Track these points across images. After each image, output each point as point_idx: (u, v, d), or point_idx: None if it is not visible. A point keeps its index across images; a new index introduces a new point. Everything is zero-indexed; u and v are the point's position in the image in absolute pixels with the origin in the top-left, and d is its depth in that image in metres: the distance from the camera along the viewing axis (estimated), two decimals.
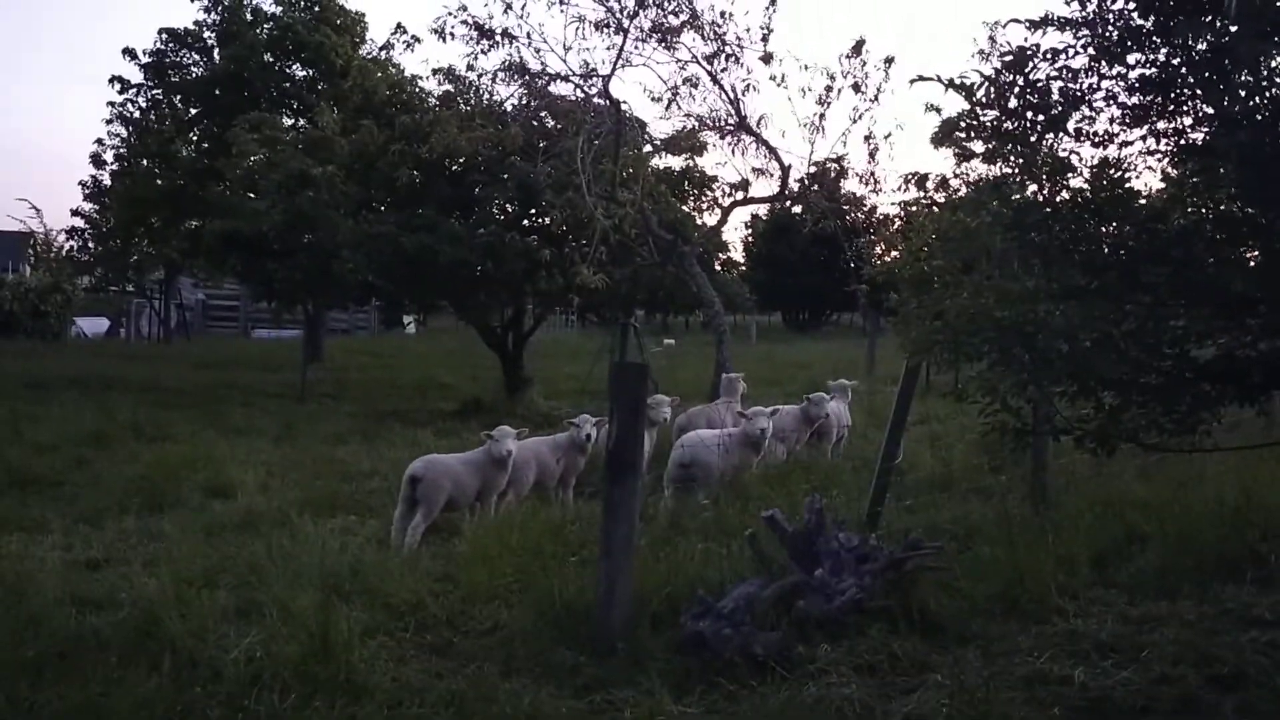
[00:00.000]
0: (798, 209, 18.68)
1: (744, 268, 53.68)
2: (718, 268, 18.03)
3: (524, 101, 13.43)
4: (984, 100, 4.42)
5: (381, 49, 23.94)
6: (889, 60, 13.18)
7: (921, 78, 4.51)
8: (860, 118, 12.88)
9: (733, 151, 13.35)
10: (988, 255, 4.61)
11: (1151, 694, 4.59)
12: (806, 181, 14.47)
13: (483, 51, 12.41)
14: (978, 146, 4.42)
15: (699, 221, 15.03)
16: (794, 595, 5.53)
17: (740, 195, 14.20)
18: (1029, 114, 4.41)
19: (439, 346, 28.13)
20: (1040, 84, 4.46)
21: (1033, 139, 4.52)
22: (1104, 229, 4.59)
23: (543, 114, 13.63)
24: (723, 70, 12.76)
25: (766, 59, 12.68)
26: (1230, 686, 4.66)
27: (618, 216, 11.59)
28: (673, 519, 7.39)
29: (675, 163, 15.77)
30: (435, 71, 15.84)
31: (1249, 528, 6.97)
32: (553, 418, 13.22)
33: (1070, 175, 4.59)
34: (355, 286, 13.97)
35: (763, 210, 42.89)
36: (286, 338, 29.38)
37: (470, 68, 12.99)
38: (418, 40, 23.72)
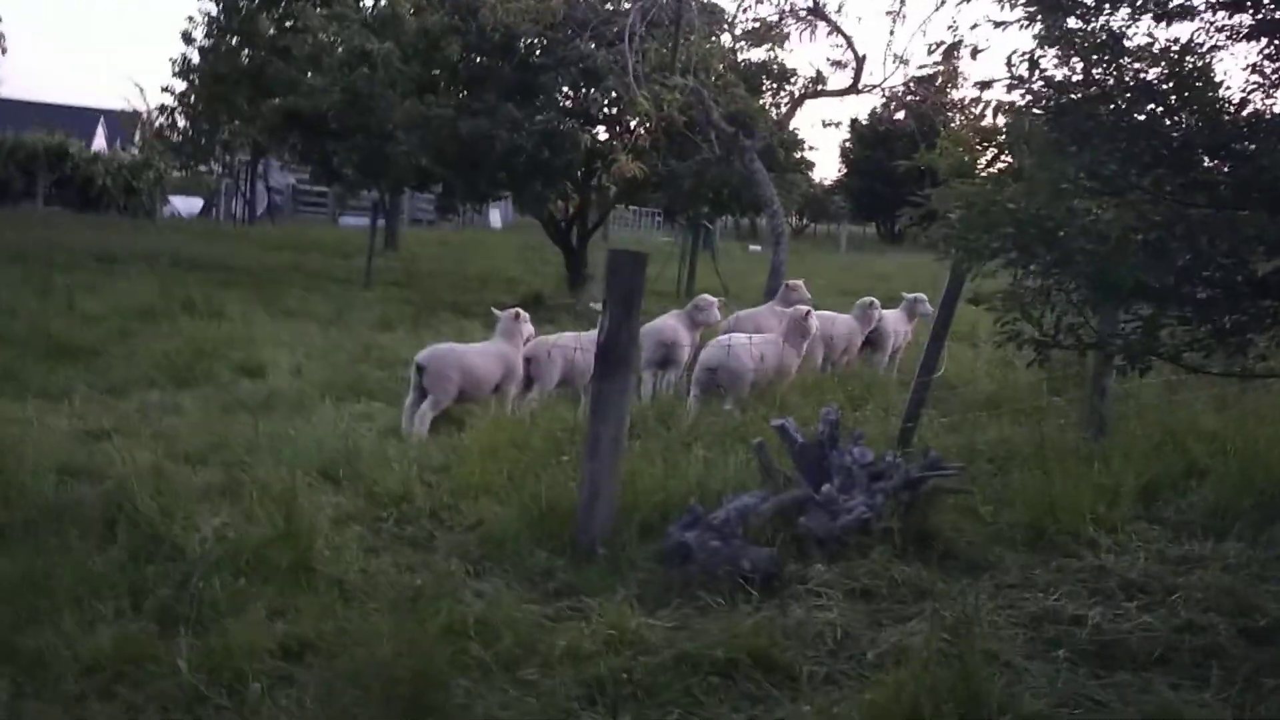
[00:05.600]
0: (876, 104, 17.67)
1: (841, 174, 52.31)
2: (798, 165, 17.16)
3: None
4: None
5: None
6: None
7: None
8: (944, 3, 11.75)
9: (802, 38, 12.47)
10: (1021, 141, 4.05)
11: (1172, 642, 4.13)
12: (913, 85, 13.56)
13: None
14: (1015, 14, 3.82)
15: (771, 116, 14.28)
16: (797, 511, 5.15)
17: (813, 87, 13.40)
18: None
19: (517, 240, 27.93)
20: None
21: (1083, 9, 3.91)
22: (1164, 119, 3.99)
23: None
24: None
25: None
26: (1262, 640, 4.18)
27: (666, 101, 10.98)
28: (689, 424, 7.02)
29: (756, 55, 15.03)
30: None
31: None
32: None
33: (1126, 55, 3.98)
34: (409, 171, 13.64)
35: (863, 116, 41.49)
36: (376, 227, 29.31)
37: None
38: None
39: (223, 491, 5.47)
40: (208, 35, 25.83)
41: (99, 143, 42.20)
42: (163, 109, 28.46)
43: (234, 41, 24.60)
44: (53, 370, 8.45)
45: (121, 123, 38.44)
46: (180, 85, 27.37)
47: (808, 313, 8.63)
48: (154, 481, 5.20)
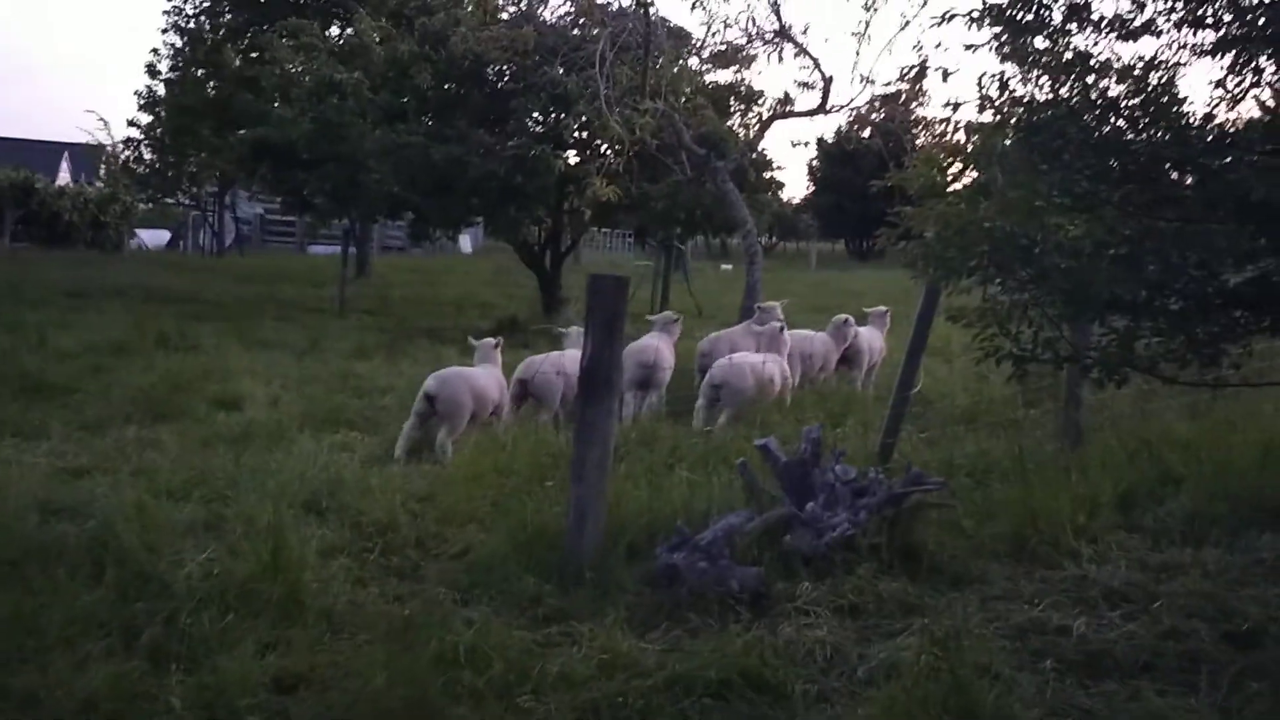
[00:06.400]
0: (841, 123, 17.88)
1: (809, 192, 52.73)
2: (768, 185, 17.34)
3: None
4: None
5: None
6: None
7: None
8: (908, 24, 12.04)
9: (769, 59, 12.67)
10: (994, 160, 4.13)
11: (1156, 649, 4.19)
12: (876, 104, 13.73)
13: None
14: (984, 36, 3.91)
15: (742, 138, 14.43)
16: (782, 529, 5.19)
17: (782, 108, 13.57)
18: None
19: (488, 265, 27.94)
20: None
21: (1049, 30, 4.00)
22: (1130, 135, 4.08)
23: (568, 16, 13.10)
24: None
25: None
26: (1246, 644, 4.24)
27: (638, 125, 11.07)
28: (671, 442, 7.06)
29: (723, 76, 15.19)
30: None
31: None
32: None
33: (1094, 73, 4.08)
34: (382, 198, 13.69)
35: (829, 134, 41.88)
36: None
37: None
38: None
39: (207, 526, 5.45)
40: (173, 68, 25.86)
41: (63, 177, 41.89)
42: (128, 142, 28.39)
43: (200, 74, 24.63)
44: (27, 408, 8.39)
45: (86, 156, 38.23)
46: (146, 118, 27.37)
47: (781, 327, 9.15)
48: (138, 518, 5.17)
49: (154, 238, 36.19)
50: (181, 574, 4.67)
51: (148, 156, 28.21)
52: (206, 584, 4.58)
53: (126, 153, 28.74)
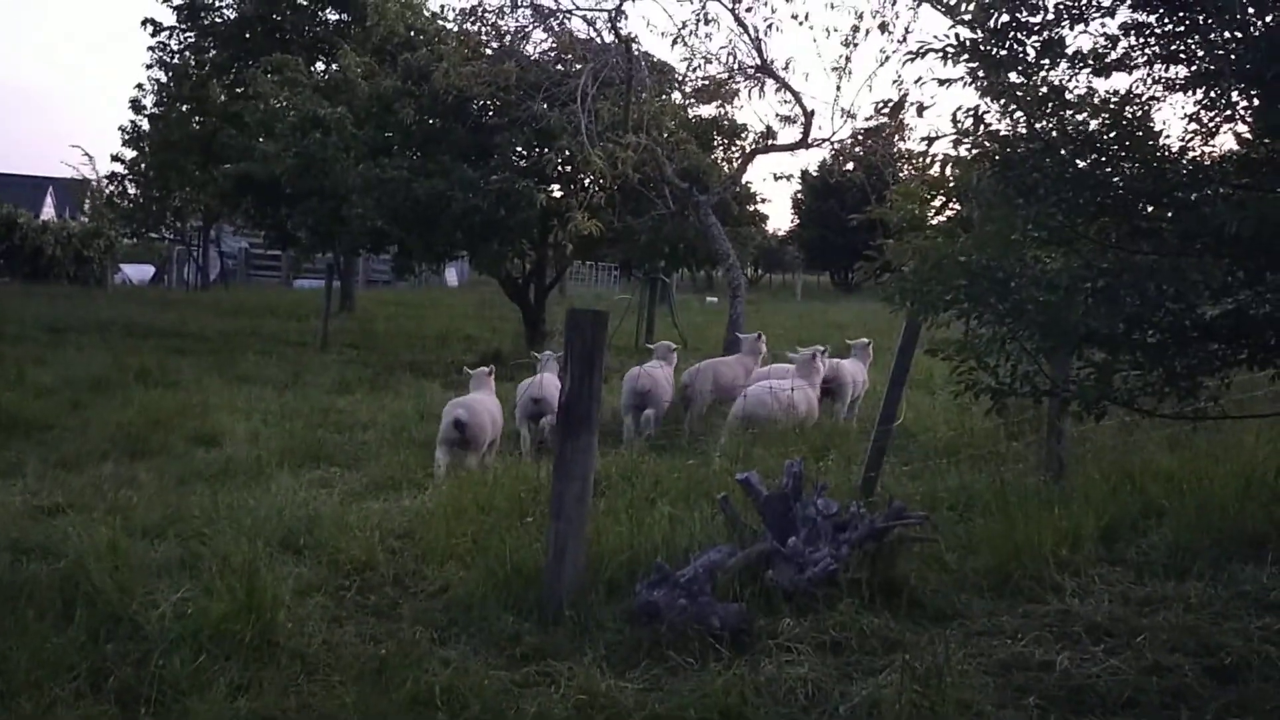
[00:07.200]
0: (825, 156, 17.98)
1: (794, 224, 52.98)
2: (752, 218, 17.43)
3: (525, 34, 13.03)
4: (967, 18, 3.93)
5: None
6: None
7: None
8: (888, 60, 12.22)
9: (750, 95, 12.79)
10: (969, 194, 4.13)
11: (1139, 685, 4.15)
12: (861, 137, 13.82)
13: None
14: (958, 71, 3.92)
15: (725, 171, 14.52)
16: (763, 565, 5.14)
17: (764, 142, 13.66)
18: (1018, 34, 3.90)
19: (473, 299, 27.95)
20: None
21: (1023, 65, 4.02)
22: (1107, 169, 4.09)
23: (551, 52, 13.20)
24: (747, 9, 12.16)
25: None
26: (1228, 679, 4.21)
27: (620, 159, 11.12)
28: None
29: (705, 111, 15.29)
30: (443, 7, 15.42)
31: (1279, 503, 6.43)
32: None
33: (1068, 108, 4.09)
34: (366, 233, 13.71)
35: (813, 167, 42.21)
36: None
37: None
38: None
39: (182, 565, 5.38)
40: (158, 103, 25.91)
41: (48, 212, 41.81)
42: (113, 177, 28.36)
43: (184, 109, 24.68)
44: (3, 445, 8.30)
45: (70, 191, 38.19)
46: (130, 153, 27.37)
47: (815, 355, 9.46)
48: (111, 558, 5.09)
49: (138, 272, 36.10)
50: (154, 615, 4.60)
51: (132, 191, 28.19)
52: (179, 625, 4.51)
53: (111, 187, 28.75)
